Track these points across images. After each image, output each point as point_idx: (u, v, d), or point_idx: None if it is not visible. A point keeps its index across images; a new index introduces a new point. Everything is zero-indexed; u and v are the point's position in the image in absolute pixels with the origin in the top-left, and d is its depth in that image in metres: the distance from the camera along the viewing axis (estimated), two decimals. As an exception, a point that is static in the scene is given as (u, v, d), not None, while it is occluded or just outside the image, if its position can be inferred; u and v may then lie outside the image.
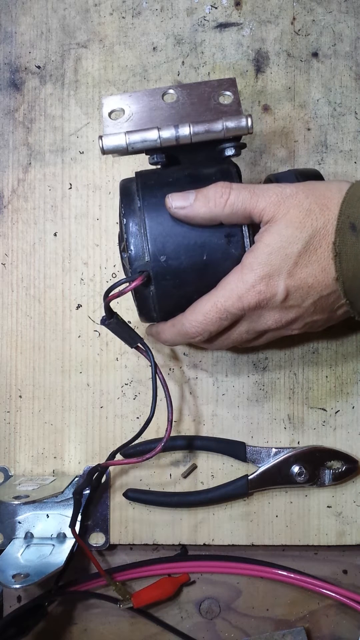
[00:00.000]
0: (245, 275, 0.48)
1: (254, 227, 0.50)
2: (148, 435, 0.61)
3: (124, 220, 0.51)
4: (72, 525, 0.57)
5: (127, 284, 0.49)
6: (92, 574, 0.63)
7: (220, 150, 0.53)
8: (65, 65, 0.65)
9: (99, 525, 0.63)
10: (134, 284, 0.49)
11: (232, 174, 0.52)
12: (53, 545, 0.61)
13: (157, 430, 0.63)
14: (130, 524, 0.63)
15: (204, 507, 0.62)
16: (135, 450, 0.62)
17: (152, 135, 0.51)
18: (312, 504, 0.62)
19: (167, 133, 0.51)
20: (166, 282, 0.50)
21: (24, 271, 0.65)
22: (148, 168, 0.54)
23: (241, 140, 0.53)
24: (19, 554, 0.59)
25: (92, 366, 0.64)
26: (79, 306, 0.64)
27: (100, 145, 0.51)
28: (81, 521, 0.62)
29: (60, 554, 0.59)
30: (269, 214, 0.48)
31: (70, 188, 0.65)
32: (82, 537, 0.62)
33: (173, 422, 0.56)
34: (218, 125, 0.51)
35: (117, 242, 0.57)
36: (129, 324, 0.55)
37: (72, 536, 0.61)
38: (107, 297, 0.50)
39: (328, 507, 0.62)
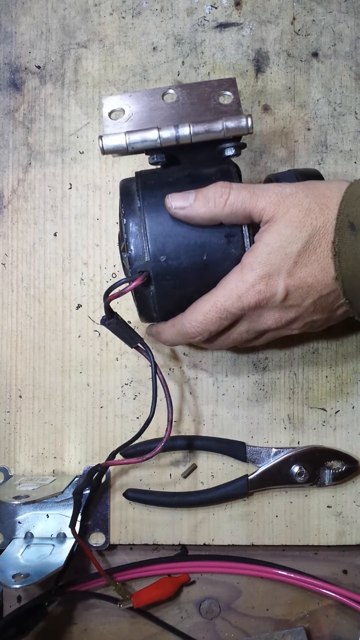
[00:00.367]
0: (245, 275, 0.48)
1: (254, 226, 0.50)
2: (148, 435, 0.61)
3: (124, 220, 0.51)
4: (72, 525, 0.57)
5: (127, 284, 0.49)
6: (92, 574, 0.63)
7: (220, 150, 0.53)
8: (65, 65, 0.65)
9: (99, 525, 0.63)
10: (134, 284, 0.49)
11: (232, 174, 0.52)
12: (53, 545, 0.61)
13: (157, 430, 0.63)
14: (130, 524, 0.63)
15: (204, 507, 0.62)
16: (135, 450, 0.62)
17: (152, 135, 0.51)
18: (312, 504, 0.62)
19: (167, 133, 0.51)
20: (166, 282, 0.50)
21: (24, 271, 0.65)
22: (148, 168, 0.54)
23: (241, 140, 0.53)
24: (19, 554, 0.59)
25: (92, 366, 0.64)
26: (79, 306, 0.64)
27: (100, 145, 0.51)
28: (81, 521, 0.62)
29: (60, 554, 0.59)
30: (268, 214, 0.48)
31: (70, 188, 0.65)
32: (82, 537, 0.62)
33: (173, 422, 0.56)
34: (218, 125, 0.51)
35: (117, 242, 0.57)
36: (129, 324, 0.55)
37: (72, 536, 0.61)
38: (107, 297, 0.50)
39: (328, 507, 0.62)
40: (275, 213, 0.48)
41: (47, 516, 0.62)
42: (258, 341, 0.54)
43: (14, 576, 0.55)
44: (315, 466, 0.61)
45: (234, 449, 0.62)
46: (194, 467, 0.63)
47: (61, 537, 0.62)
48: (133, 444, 0.60)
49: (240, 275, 0.49)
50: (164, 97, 0.53)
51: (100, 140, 0.51)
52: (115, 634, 0.64)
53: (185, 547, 0.64)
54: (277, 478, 0.61)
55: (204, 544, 0.63)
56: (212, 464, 0.63)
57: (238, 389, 0.63)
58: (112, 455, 0.61)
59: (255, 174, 0.64)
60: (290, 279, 0.48)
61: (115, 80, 0.65)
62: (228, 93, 0.53)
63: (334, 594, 0.61)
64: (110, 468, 0.63)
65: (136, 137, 0.51)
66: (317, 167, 0.64)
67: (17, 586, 0.54)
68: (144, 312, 0.54)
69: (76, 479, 0.63)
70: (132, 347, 0.56)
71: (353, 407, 0.63)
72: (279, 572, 0.61)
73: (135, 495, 0.62)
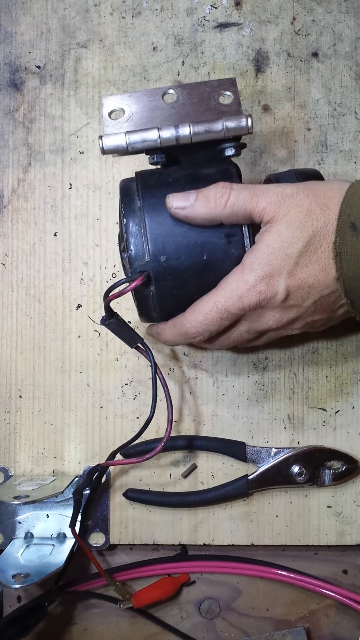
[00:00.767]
0: (245, 275, 0.48)
1: (254, 227, 0.50)
2: (148, 435, 0.61)
3: (124, 220, 0.51)
4: (72, 525, 0.57)
5: (127, 284, 0.49)
6: (92, 574, 0.63)
7: (220, 150, 0.53)
8: (65, 65, 0.65)
9: (99, 525, 0.63)
10: (134, 284, 0.49)
11: (232, 174, 0.52)
12: (53, 545, 0.61)
13: (157, 430, 0.63)
14: (130, 524, 0.63)
15: (204, 507, 0.62)
16: (135, 450, 0.62)
17: (152, 135, 0.51)
18: (312, 504, 0.62)
19: (167, 133, 0.51)
20: (166, 282, 0.50)
21: (24, 271, 0.65)
22: (148, 168, 0.54)
23: (241, 140, 0.53)
24: (19, 554, 0.59)
25: (92, 366, 0.64)
26: (79, 306, 0.64)
27: (100, 145, 0.51)
28: (81, 521, 0.62)
29: (60, 554, 0.59)
30: (269, 214, 0.48)
31: (70, 188, 0.65)
32: (82, 537, 0.62)
33: (173, 422, 0.56)
34: (218, 125, 0.51)
35: (117, 242, 0.57)
36: (129, 324, 0.55)
37: (72, 536, 0.61)
38: (107, 297, 0.50)
39: (328, 507, 0.62)
40: (276, 214, 0.48)
41: (47, 516, 0.62)
42: (258, 341, 0.54)
43: (14, 576, 0.55)
44: (315, 466, 0.61)
45: (234, 449, 0.62)
46: (194, 467, 0.63)
47: (61, 537, 0.62)
48: (133, 444, 0.60)
49: (241, 275, 0.49)
50: (164, 97, 0.53)
51: (100, 140, 0.51)
52: (115, 634, 0.64)
53: (185, 547, 0.64)
54: (277, 478, 0.61)
55: (204, 544, 0.63)
56: (212, 464, 0.63)
57: (238, 389, 0.63)
58: (112, 455, 0.61)
59: (255, 174, 0.64)
60: (291, 280, 0.48)
61: (115, 80, 0.65)
62: (228, 93, 0.53)
63: (334, 594, 0.61)
64: (110, 468, 0.63)
65: (136, 137, 0.51)
66: (317, 167, 0.64)
67: (17, 586, 0.54)
68: (144, 312, 0.54)
69: (76, 479, 0.63)
70: (132, 347, 0.56)
71: (353, 407, 0.63)
72: (279, 572, 0.61)
73: (135, 495, 0.62)
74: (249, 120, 0.51)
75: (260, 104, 0.65)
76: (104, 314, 0.53)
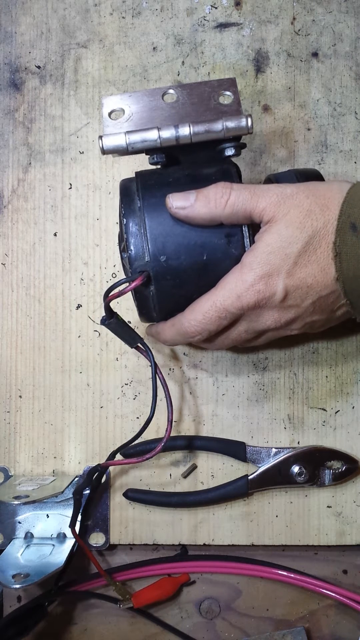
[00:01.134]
0: (244, 274, 0.48)
1: (254, 227, 0.50)
2: (148, 435, 0.61)
3: (124, 220, 0.51)
4: (72, 525, 0.57)
5: (127, 284, 0.49)
6: (92, 574, 0.63)
7: (220, 150, 0.53)
8: (65, 65, 0.65)
9: (99, 525, 0.63)
10: (134, 284, 0.49)
11: (232, 174, 0.52)
12: (53, 545, 0.61)
13: (157, 430, 0.63)
14: (130, 524, 0.63)
15: (204, 507, 0.62)
16: (135, 450, 0.62)
17: (152, 135, 0.51)
18: (312, 504, 0.62)
19: (167, 133, 0.51)
20: (166, 282, 0.50)
21: (24, 271, 0.65)
22: (148, 168, 0.54)
23: (241, 140, 0.53)
24: (19, 554, 0.59)
25: (92, 366, 0.64)
26: (79, 306, 0.64)
27: (100, 145, 0.51)
28: (81, 521, 0.62)
29: (60, 554, 0.59)
30: (269, 214, 0.48)
31: (70, 188, 0.65)
32: (82, 537, 0.62)
33: (173, 422, 0.56)
34: (218, 125, 0.51)
35: (117, 242, 0.57)
36: (129, 324, 0.55)
37: (72, 536, 0.61)
38: (107, 297, 0.50)
39: (328, 507, 0.62)
40: (276, 214, 0.48)
41: (47, 516, 0.62)
42: (257, 341, 0.54)
43: (14, 576, 0.55)
44: (315, 466, 0.61)
45: (234, 449, 0.62)
46: (194, 467, 0.63)
47: (61, 537, 0.62)
48: (133, 444, 0.60)
49: (239, 274, 0.49)
50: (164, 97, 0.53)
51: (100, 140, 0.51)
52: (115, 634, 0.64)
53: (185, 547, 0.64)
54: (277, 478, 0.61)
55: (204, 544, 0.63)
56: (212, 464, 0.63)
57: (238, 389, 0.63)
58: (112, 455, 0.61)
59: (255, 174, 0.64)
60: (290, 279, 0.48)
61: (115, 80, 0.65)
62: (228, 93, 0.53)
63: (334, 594, 0.61)
64: (110, 468, 0.63)
65: (136, 137, 0.51)
66: (317, 167, 0.64)
67: (17, 586, 0.54)
68: (144, 312, 0.54)
69: (76, 479, 0.63)
70: (132, 347, 0.56)
71: (353, 407, 0.63)
72: (279, 572, 0.61)
73: (135, 495, 0.62)
74: (249, 120, 0.51)
75: (260, 104, 0.65)
76: (104, 314, 0.53)
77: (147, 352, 0.56)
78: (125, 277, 0.51)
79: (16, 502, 0.55)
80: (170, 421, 0.55)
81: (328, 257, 0.48)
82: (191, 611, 0.64)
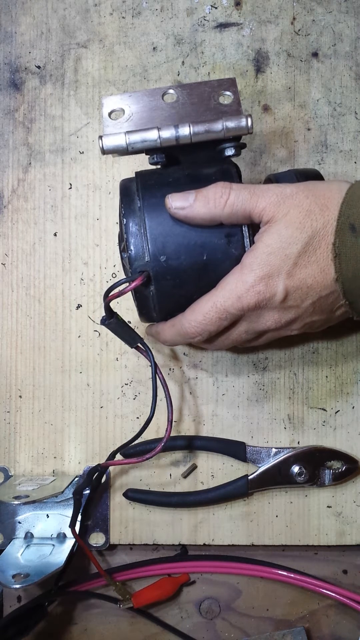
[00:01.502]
0: (244, 275, 0.48)
1: (254, 227, 0.50)
2: (148, 435, 0.61)
3: (124, 220, 0.51)
4: (72, 525, 0.57)
5: (127, 284, 0.49)
6: (92, 574, 0.63)
7: (220, 150, 0.53)
8: (65, 65, 0.65)
9: (99, 525, 0.63)
10: (134, 284, 0.49)
11: (232, 174, 0.52)
12: (53, 545, 0.61)
13: (157, 430, 0.63)
14: (130, 524, 0.63)
15: (204, 507, 0.62)
16: (135, 450, 0.62)
17: (152, 135, 0.51)
18: (312, 504, 0.62)
19: (167, 133, 0.51)
20: (166, 282, 0.50)
21: (24, 271, 0.65)
22: (148, 168, 0.54)
23: (241, 140, 0.53)
24: (19, 554, 0.59)
25: (92, 366, 0.64)
26: (79, 306, 0.64)
27: (100, 145, 0.51)
28: (81, 521, 0.62)
29: (60, 554, 0.59)
30: (268, 214, 0.48)
31: (70, 188, 0.65)
32: (82, 537, 0.62)
33: (173, 422, 0.56)
34: (218, 125, 0.51)
35: (117, 242, 0.57)
36: (129, 324, 0.55)
37: (72, 536, 0.61)
38: (107, 297, 0.50)
39: (328, 507, 0.62)
40: (276, 214, 0.48)
41: (47, 516, 0.62)
42: (258, 341, 0.54)
43: (14, 576, 0.55)
44: (315, 466, 0.61)
45: (234, 449, 0.62)
46: (194, 467, 0.63)
47: (61, 537, 0.62)
48: (133, 444, 0.60)
49: (240, 275, 0.49)
50: (164, 97, 0.53)
51: (100, 140, 0.51)
52: (115, 634, 0.64)
53: (185, 547, 0.64)
54: (277, 478, 0.61)
55: (204, 544, 0.63)
56: (212, 464, 0.63)
57: (238, 389, 0.63)
58: (112, 455, 0.61)
59: (255, 174, 0.64)
60: (290, 280, 0.48)
61: (115, 80, 0.65)
62: (228, 93, 0.53)
63: (334, 594, 0.61)
64: (110, 468, 0.63)
65: (136, 137, 0.51)
66: (317, 167, 0.63)
67: (17, 586, 0.54)
68: (144, 312, 0.54)
69: (76, 479, 0.63)
70: (132, 347, 0.56)
71: (353, 407, 0.63)
72: (279, 572, 0.62)
73: (135, 495, 0.62)
74: (249, 120, 0.51)
75: (260, 104, 0.65)
76: (104, 314, 0.53)
77: (147, 352, 0.56)
78: (125, 277, 0.51)
79: (16, 502, 0.55)
80: (170, 421, 0.55)
81: (327, 258, 0.48)
82: (191, 611, 0.64)
